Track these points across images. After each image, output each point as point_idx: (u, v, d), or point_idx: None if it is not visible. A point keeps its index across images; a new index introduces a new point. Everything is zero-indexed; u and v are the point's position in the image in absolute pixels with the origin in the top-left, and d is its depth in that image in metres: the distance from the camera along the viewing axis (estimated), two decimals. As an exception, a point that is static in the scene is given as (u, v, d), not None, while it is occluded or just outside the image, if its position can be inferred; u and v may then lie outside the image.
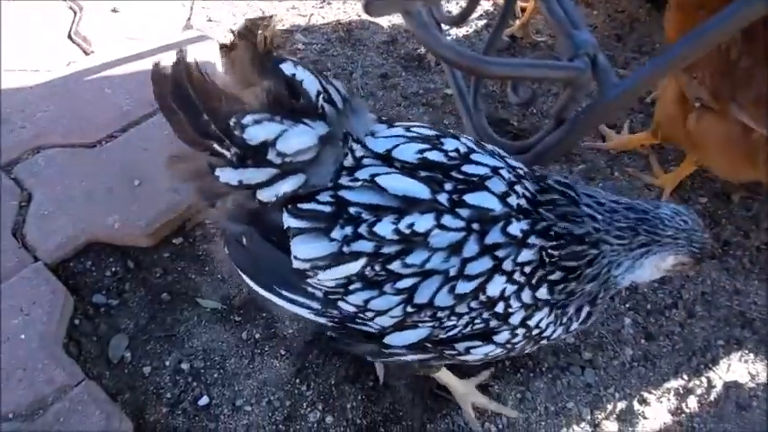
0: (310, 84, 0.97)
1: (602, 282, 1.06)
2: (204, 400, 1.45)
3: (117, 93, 1.86)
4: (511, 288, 1.01)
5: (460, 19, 1.34)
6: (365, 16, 2.44)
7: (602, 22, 2.44)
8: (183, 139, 1.01)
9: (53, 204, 1.62)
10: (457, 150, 1.04)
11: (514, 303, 1.02)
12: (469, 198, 0.98)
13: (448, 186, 0.99)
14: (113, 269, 1.59)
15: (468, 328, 1.04)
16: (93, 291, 1.57)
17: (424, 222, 0.97)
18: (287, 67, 0.96)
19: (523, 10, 2.36)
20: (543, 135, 1.12)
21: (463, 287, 0.98)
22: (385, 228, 0.97)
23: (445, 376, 1.42)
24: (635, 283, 1.14)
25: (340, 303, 1.04)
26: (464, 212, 0.98)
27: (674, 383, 1.63)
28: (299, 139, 0.95)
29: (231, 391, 1.47)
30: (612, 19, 2.47)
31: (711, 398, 1.62)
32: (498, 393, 1.53)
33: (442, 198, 0.98)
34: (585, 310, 1.11)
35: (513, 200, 1.01)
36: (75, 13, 2.10)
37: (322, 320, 1.11)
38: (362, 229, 0.97)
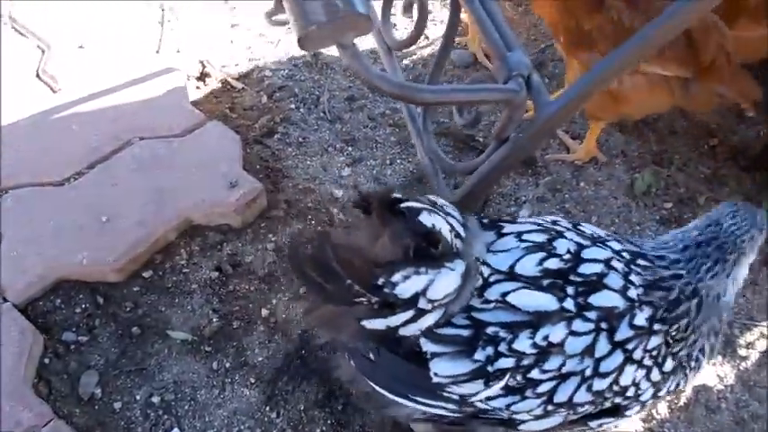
0: (445, 228, 0.99)
1: (715, 314, 1.12)
2: (175, 433, 1.46)
3: (85, 129, 1.89)
4: (641, 373, 1.07)
5: (409, 43, 1.37)
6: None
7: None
8: (322, 300, 1.04)
9: (22, 245, 1.63)
10: (569, 251, 1.09)
11: (644, 385, 1.09)
12: (594, 300, 1.04)
13: (570, 291, 1.05)
14: (83, 306, 1.61)
15: (598, 408, 1.10)
16: (63, 328, 1.58)
17: (558, 333, 1.02)
18: (425, 219, 0.97)
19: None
20: (488, 155, 1.14)
21: (599, 384, 1.05)
22: (523, 343, 1.02)
23: None
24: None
25: (477, 404, 1.08)
26: (591, 315, 1.04)
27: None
28: (445, 283, 0.99)
29: (202, 423, 1.48)
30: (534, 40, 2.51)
31: (681, 402, 1.64)
32: None
33: (569, 305, 1.04)
34: (709, 343, 1.16)
35: (632, 292, 1.06)
36: (42, 51, 2.13)
37: (453, 415, 1.14)
38: (502, 348, 1.02)
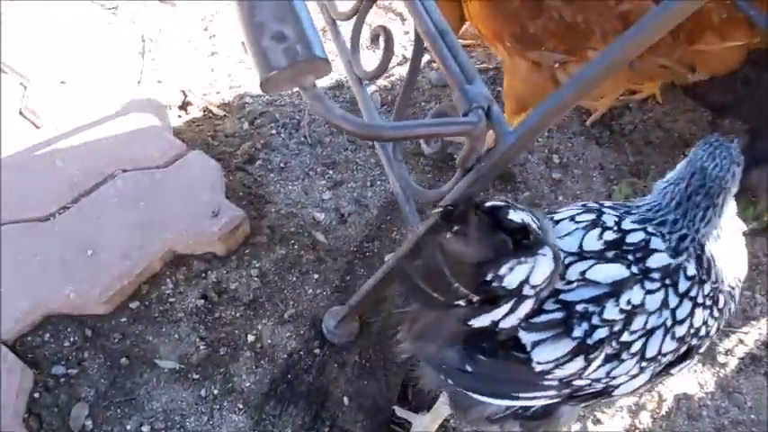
0: (530, 221, 1.07)
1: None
2: (165, 462, 1.48)
3: (68, 164, 1.92)
4: (707, 313, 1.20)
5: (377, 74, 1.41)
6: (312, 63, 2.52)
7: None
8: (423, 307, 1.14)
9: (9, 281, 1.66)
10: (615, 224, 1.20)
11: (711, 322, 1.22)
12: (650, 263, 1.16)
13: (630, 257, 1.16)
14: (72, 339, 1.63)
15: (677, 355, 1.22)
16: (53, 362, 1.60)
17: (637, 295, 1.13)
18: (514, 216, 1.05)
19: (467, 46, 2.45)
20: (454, 183, 1.18)
21: (680, 330, 1.17)
22: (612, 311, 1.12)
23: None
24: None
25: (575, 382, 1.17)
26: (655, 275, 1.15)
27: (627, 401, 1.68)
28: (544, 268, 1.06)
29: (191, 450, 1.51)
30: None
31: (663, 411, 1.68)
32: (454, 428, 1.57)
33: (635, 269, 1.15)
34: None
35: (677, 246, 1.18)
36: (25, 87, 2.16)
37: (549, 401, 1.23)
38: (595, 320, 1.12)
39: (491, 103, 1.12)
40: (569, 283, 1.14)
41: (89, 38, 2.40)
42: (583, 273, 1.14)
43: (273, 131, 2.22)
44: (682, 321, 1.17)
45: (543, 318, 1.12)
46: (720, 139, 1.24)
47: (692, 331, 1.19)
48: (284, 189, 2.04)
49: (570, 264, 1.15)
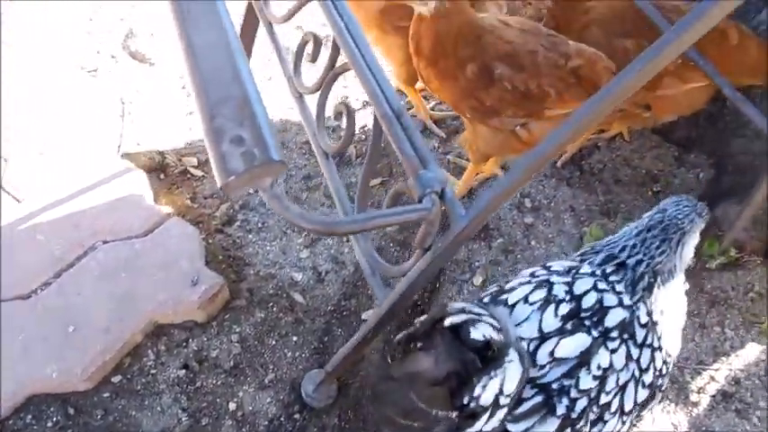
0: (490, 332, 1.12)
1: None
2: None
3: (49, 238, 1.96)
4: (664, 353, 1.28)
5: (342, 148, 1.47)
6: (287, 117, 2.58)
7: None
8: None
9: (-7, 363, 1.69)
10: (566, 293, 1.26)
11: (668, 359, 1.30)
12: (607, 322, 1.22)
13: (587, 323, 1.22)
14: (54, 419, 1.66)
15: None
16: (37, 444, 1.63)
17: (604, 358, 1.19)
18: (476, 334, 1.10)
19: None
20: (414, 262, 1.23)
21: (648, 378, 1.25)
22: (586, 380, 1.18)
23: None
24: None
25: None
26: (614, 333, 1.22)
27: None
28: (513, 375, 1.13)
29: None
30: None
31: (639, 456, 1.70)
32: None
33: (596, 333, 1.21)
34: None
35: (626, 300, 1.26)
36: (5, 161, 2.21)
37: None
38: (574, 393, 1.18)
39: (445, 186, 1.17)
40: (542, 367, 1.19)
41: (69, 103, 2.46)
42: (551, 353, 1.19)
43: (251, 191, 2.26)
44: (647, 369, 1.24)
45: (526, 406, 1.17)
46: (691, 197, 1.38)
47: (657, 374, 1.27)
48: (262, 250, 2.09)
49: (536, 348, 1.20)
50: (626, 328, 1.23)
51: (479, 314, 1.14)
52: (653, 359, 1.26)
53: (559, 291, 1.26)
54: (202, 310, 1.84)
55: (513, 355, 1.13)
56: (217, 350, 1.82)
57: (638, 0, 1.92)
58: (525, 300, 1.25)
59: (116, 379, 1.74)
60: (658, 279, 1.30)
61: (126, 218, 2.03)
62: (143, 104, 2.57)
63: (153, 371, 1.76)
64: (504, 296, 1.28)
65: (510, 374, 1.12)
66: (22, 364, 1.69)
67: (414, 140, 1.24)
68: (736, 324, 2.00)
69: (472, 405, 1.08)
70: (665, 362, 1.29)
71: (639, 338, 1.24)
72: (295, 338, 1.86)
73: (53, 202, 2.06)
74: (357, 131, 2.49)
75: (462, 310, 1.13)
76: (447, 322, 1.10)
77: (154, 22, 2.89)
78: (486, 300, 1.30)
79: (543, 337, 1.20)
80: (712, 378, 1.88)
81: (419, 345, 1.12)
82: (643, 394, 1.26)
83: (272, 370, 1.80)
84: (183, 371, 1.77)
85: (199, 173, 2.35)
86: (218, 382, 1.76)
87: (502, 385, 1.11)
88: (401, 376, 1.11)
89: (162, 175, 2.35)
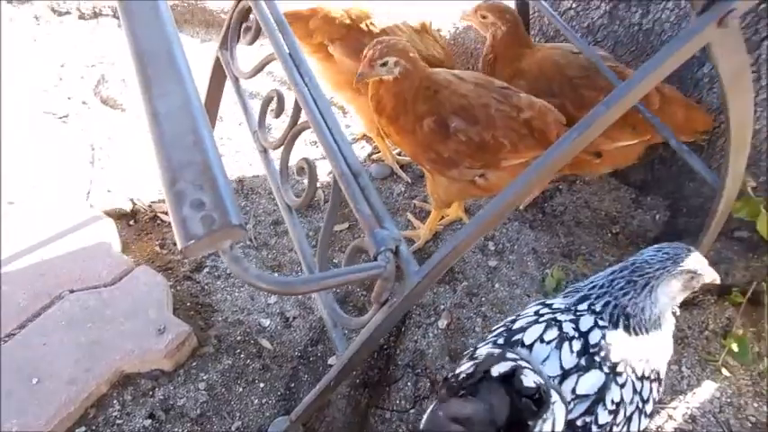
0: (538, 378, 1.19)
1: (647, 327, 1.37)
2: None
3: (15, 288, 1.96)
4: (655, 384, 1.37)
5: (305, 203, 1.52)
6: (255, 163, 2.63)
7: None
8: None
9: (-47, 417, 1.67)
10: (574, 330, 1.33)
11: (654, 386, 1.37)
12: (613, 357, 1.30)
13: (597, 358, 1.29)
14: (16, 473, 1.65)
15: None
16: (-3, 500, 1.61)
17: (616, 393, 1.27)
18: (528, 381, 1.16)
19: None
20: (371, 316, 1.27)
21: (649, 408, 1.35)
22: (603, 416, 1.26)
23: None
24: (673, 310, 1.44)
25: None
26: (620, 368, 1.29)
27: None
28: (560, 413, 1.21)
29: None
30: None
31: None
32: None
33: (606, 369, 1.28)
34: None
35: (610, 317, 1.36)
36: (-27, 209, 2.21)
37: None
38: (594, 429, 1.26)
39: (399, 243, 1.22)
40: (569, 403, 1.26)
41: (39, 150, 2.49)
42: (573, 390, 1.26)
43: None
44: (647, 400, 1.34)
45: None
46: (681, 245, 1.42)
47: (652, 402, 1.37)
48: (231, 296, 2.11)
49: (559, 385, 1.27)
50: (629, 363, 1.32)
51: (515, 359, 1.22)
52: (651, 390, 1.35)
53: (568, 328, 1.33)
54: (169, 359, 1.85)
55: (555, 395, 1.22)
56: (183, 398, 1.82)
57: (590, 55, 2.03)
58: (541, 339, 1.32)
59: (80, 430, 1.73)
60: (631, 320, 1.36)
61: (94, 266, 2.04)
62: (113, 151, 2.60)
63: (119, 421, 1.76)
64: (518, 336, 1.34)
65: (558, 415, 1.20)
66: (-16, 418, 1.68)
67: (370, 199, 1.30)
68: (692, 362, 2.07)
69: None
70: (656, 390, 1.38)
71: (639, 371, 1.33)
72: (262, 385, 1.88)
73: (20, 252, 2.07)
74: (326, 175, 2.55)
75: (503, 358, 1.21)
76: (495, 372, 1.17)
77: (125, 69, 2.95)
78: (500, 342, 1.36)
79: (564, 375, 1.28)
80: (670, 416, 1.94)
81: (463, 392, 1.18)
82: (645, 422, 1.35)
83: (239, 417, 1.81)
84: (149, 420, 1.77)
85: (168, 219, 2.37)
86: (185, 431, 1.77)
87: (554, 426, 1.18)
88: (455, 419, 1.15)
89: (132, 222, 2.37)
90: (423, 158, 1.91)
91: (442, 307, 2.14)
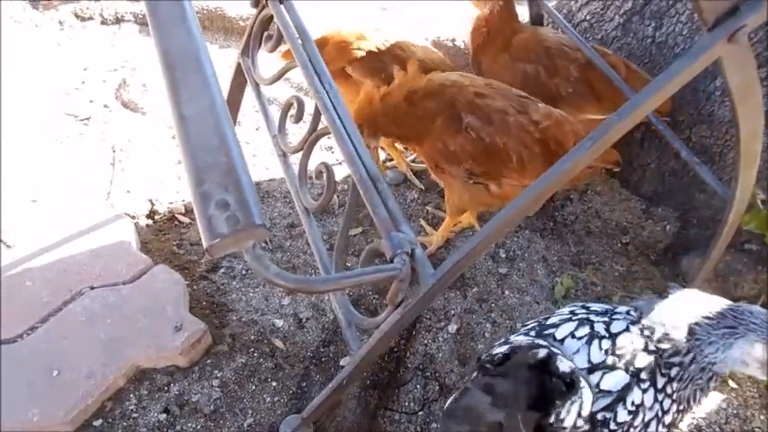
0: (571, 364, 1.27)
1: (700, 365, 1.37)
2: None
3: (37, 284, 2.02)
4: (675, 405, 1.39)
5: (323, 206, 1.56)
6: (272, 167, 2.68)
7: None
8: None
9: (-24, 407, 1.73)
10: (605, 330, 1.38)
11: (672, 407, 1.39)
12: (637, 363, 1.34)
13: (623, 361, 1.33)
14: (35, 462, 1.69)
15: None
16: (16, 488, 1.66)
17: (637, 396, 1.32)
18: (563, 366, 1.25)
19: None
20: (386, 316, 1.31)
21: (668, 418, 1.37)
22: (622, 414, 1.31)
23: None
24: (728, 368, 1.39)
25: None
26: (643, 375, 1.33)
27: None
28: (588, 397, 1.27)
29: None
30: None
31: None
32: None
33: (631, 371, 1.32)
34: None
35: (651, 346, 1.36)
36: (-3, 207, 2.27)
37: None
38: (612, 426, 1.30)
39: (415, 246, 1.26)
40: (589, 396, 1.31)
41: (61, 151, 2.55)
42: (597, 384, 1.31)
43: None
44: (667, 411, 1.37)
45: None
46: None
47: (671, 414, 1.39)
48: (246, 297, 2.16)
49: (580, 379, 1.32)
50: (652, 372, 1.35)
51: (550, 346, 1.28)
52: (671, 403, 1.37)
53: (600, 328, 1.39)
54: (185, 356, 1.90)
55: (583, 382, 1.27)
56: (198, 395, 1.87)
57: (587, 50, 2.11)
58: (572, 335, 1.38)
59: (97, 423, 1.78)
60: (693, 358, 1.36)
61: (113, 264, 2.09)
62: (133, 153, 2.66)
63: (134, 415, 1.80)
64: (550, 331, 1.40)
65: (585, 399, 1.25)
66: (6, 410, 1.72)
67: (387, 203, 1.34)
68: (700, 373, 2.08)
69: (555, 425, 1.22)
70: (679, 410, 1.40)
71: (660, 384, 1.36)
72: (274, 384, 1.91)
73: (43, 249, 2.12)
74: (341, 181, 2.60)
75: (539, 345, 1.29)
76: (531, 357, 1.24)
77: (146, 73, 3.02)
78: (532, 334, 1.42)
79: (591, 369, 1.33)
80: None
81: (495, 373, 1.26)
82: (662, 431, 1.38)
83: (251, 414, 1.85)
84: (164, 415, 1.81)
85: (186, 220, 2.43)
86: (198, 427, 1.80)
87: (581, 408, 1.24)
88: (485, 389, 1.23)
89: (150, 222, 2.43)
90: (433, 150, 1.94)
91: (453, 312, 2.17)
